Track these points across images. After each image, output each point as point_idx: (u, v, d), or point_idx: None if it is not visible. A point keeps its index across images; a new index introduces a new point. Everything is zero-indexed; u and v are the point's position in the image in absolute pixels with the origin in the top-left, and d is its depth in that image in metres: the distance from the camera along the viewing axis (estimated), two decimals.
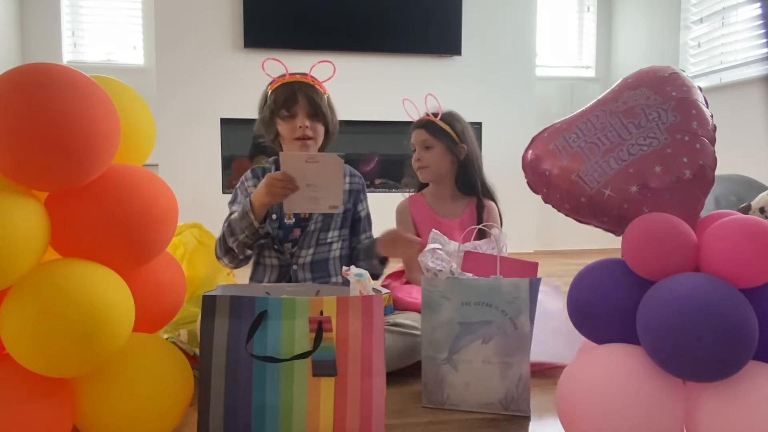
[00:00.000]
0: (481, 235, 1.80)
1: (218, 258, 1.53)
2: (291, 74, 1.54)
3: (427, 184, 1.95)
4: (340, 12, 3.74)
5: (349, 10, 3.75)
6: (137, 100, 1.18)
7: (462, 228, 1.84)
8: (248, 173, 1.64)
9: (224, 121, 3.72)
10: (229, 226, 1.47)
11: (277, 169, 1.63)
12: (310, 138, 1.53)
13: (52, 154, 0.92)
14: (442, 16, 3.87)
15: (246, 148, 3.82)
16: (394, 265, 1.85)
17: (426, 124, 1.86)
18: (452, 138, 1.85)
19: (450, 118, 1.88)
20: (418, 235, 1.87)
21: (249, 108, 3.98)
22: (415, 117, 1.90)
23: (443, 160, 1.86)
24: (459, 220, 1.88)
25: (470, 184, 1.89)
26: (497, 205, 1.95)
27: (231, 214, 1.55)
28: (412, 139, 1.89)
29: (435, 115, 1.87)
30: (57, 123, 0.91)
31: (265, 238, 1.55)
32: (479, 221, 1.85)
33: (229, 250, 1.48)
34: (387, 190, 3.88)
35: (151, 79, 3.68)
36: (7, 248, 0.88)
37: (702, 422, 0.90)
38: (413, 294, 1.73)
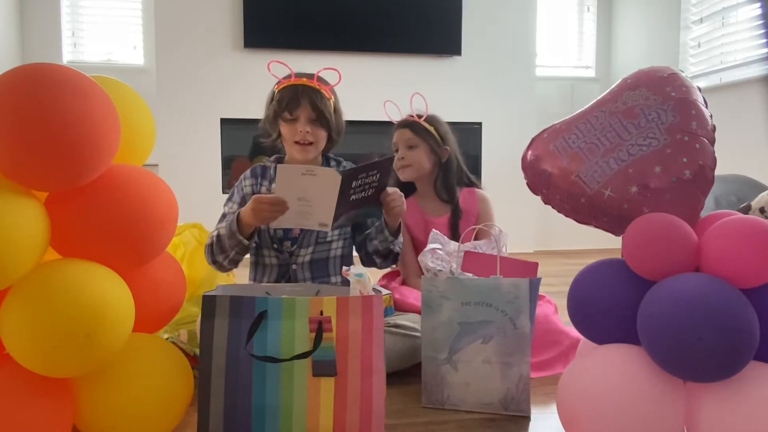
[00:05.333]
0: (454, 232, 1.82)
1: (207, 263, 1.53)
2: (297, 76, 1.53)
3: (413, 188, 1.95)
4: (340, 12, 3.74)
5: (349, 10, 3.75)
6: (137, 100, 1.18)
7: (448, 225, 1.86)
8: (247, 172, 1.63)
9: (224, 121, 3.72)
10: (219, 242, 1.45)
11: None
12: (310, 143, 1.52)
13: (52, 154, 0.92)
14: (442, 16, 3.86)
15: (246, 148, 3.82)
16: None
17: (411, 124, 1.87)
18: (436, 139, 1.87)
19: (434, 120, 1.90)
20: (411, 236, 1.89)
21: (249, 108, 3.97)
22: (396, 118, 1.91)
23: (426, 160, 1.87)
24: (447, 217, 1.89)
25: (449, 187, 1.90)
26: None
27: (222, 217, 1.55)
28: (394, 138, 1.90)
29: (419, 116, 1.88)
30: (57, 123, 0.91)
31: (258, 240, 1.54)
32: (455, 223, 1.87)
33: (216, 261, 1.49)
34: None
35: (151, 79, 3.68)
36: (7, 248, 0.88)
37: (702, 422, 0.90)
38: (412, 295, 1.73)
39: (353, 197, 1.30)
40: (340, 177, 1.22)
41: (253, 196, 1.34)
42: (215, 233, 1.48)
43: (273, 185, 1.54)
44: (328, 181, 1.23)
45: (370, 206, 1.39)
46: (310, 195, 1.26)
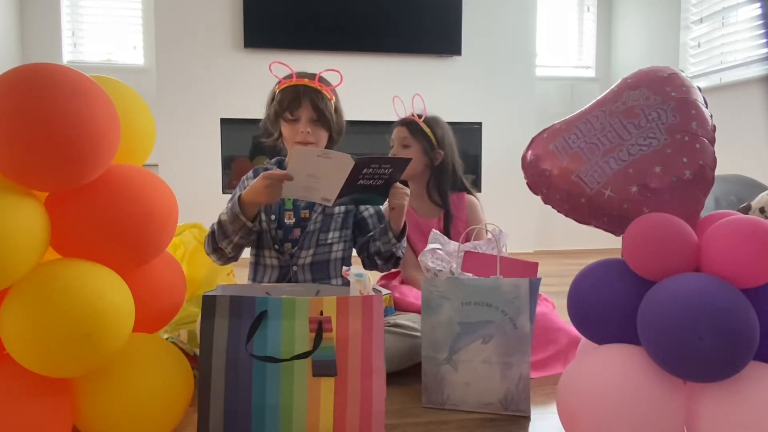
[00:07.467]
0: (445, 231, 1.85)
1: (207, 254, 1.52)
2: (298, 76, 1.53)
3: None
4: (340, 12, 3.75)
5: (349, 10, 3.75)
6: (137, 100, 1.18)
7: (439, 227, 1.86)
8: (250, 173, 1.63)
9: (224, 121, 3.72)
10: (221, 228, 1.44)
11: (279, 169, 1.63)
12: (311, 144, 1.53)
13: (52, 154, 0.92)
14: (442, 16, 3.87)
15: (246, 148, 3.83)
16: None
17: (408, 123, 1.89)
18: (431, 141, 1.87)
19: (432, 122, 1.90)
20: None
21: (249, 108, 3.97)
22: (401, 115, 1.93)
23: (418, 160, 1.88)
24: (437, 220, 1.90)
25: (441, 192, 1.91)
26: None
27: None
28: (392, 135, 1.92)
29: (419, 116, 1.89)
30: (57, 123, 0.91)
31: (257, 233, 1.53)
32: (447, 227, 1.88)
33: (218, 249, 1.46)
34: None
35: (151, 79, 3.68)
36: (7, 248, 0.88)
37: (702, 422, 0.90)
38: (411, 294, 1.73)
39: (361, 182, 1.34)
40: (353, 163, 1.26)
41: (262, 173, 1.35)
42: (216, 220, 1.47)
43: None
44: (341, 165, 1.28)
45: (375, 194, 1.42)
46: (320, 173, 1.30)
